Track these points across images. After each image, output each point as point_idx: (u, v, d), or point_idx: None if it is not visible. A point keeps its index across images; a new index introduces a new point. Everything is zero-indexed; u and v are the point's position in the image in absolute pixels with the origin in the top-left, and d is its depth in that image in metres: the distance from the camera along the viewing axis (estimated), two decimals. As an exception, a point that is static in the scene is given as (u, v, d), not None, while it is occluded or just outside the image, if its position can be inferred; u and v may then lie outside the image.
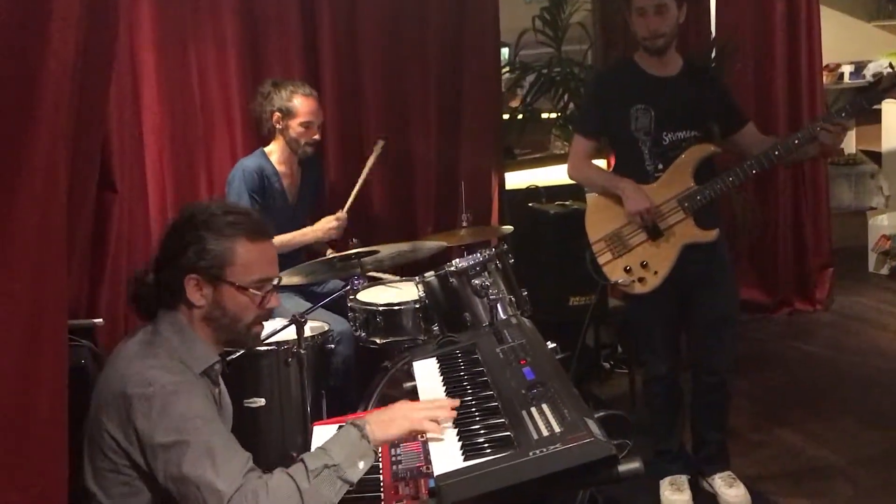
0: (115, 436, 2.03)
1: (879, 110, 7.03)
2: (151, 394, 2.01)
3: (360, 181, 4.28)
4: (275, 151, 4.20)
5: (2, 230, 1.51)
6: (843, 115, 3.56)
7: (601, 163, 4.72)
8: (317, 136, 4.20)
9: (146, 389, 2.02)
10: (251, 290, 2.17)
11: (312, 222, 4.25)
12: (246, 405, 3.45)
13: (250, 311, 2.20)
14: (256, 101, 4.23)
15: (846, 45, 7.53)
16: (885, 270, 6.97)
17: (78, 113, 1.81)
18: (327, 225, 4.17)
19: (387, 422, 2.10)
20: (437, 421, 2.12)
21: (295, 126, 4.13)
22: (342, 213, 4.20)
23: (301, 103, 4.13)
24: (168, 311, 2.17)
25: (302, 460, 2.04)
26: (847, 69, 7.59)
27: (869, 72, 7.32)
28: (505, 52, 5.71)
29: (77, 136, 1.83)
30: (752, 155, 3.63)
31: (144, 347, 2.11)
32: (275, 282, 2.25)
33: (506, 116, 5.66)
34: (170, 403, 2.01)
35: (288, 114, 4.12)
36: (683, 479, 3.82)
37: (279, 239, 4.08)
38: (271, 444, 3.49)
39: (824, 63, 6.50)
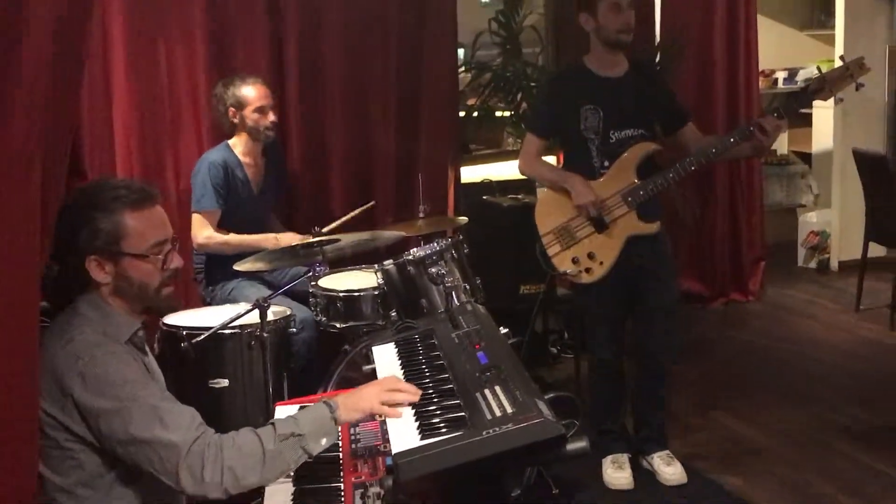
0: (51, 413, 2.00)
1: (810, 114, 7.12)
2: (82, 366, 1.99)
3: (334, 225, 4.23)
4: (238, 144, 4.16)
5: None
6: (777, 115, 3.60)
7: (551, 159, 4.74)
8: (273, 118, 4.15)
9: (76, 363, 2.00)
10: (150, 255, 2.14)
11: (279, 208, 4.21)
12: (210, 386, 3.42)
13: (155, 276, 2.15)
14: (213, 105, 4.19)
15: (780, 52, 7.63)
16: (813, 264, 7.07)
17: (52, 103, 1.78)
18: (289, 240, 4.06)
19: (354, 405, 2.09)
20: (398, 403, 2.11)
21: (250, 114, 4.09)
22: (308, 239, 4.12)
23: (250, 91, 4.10)
24: (83, 294, 2.14)
25: (272, 424, 2.04)
26: (781, 75, 7.69)
27: (800, 77, 7.42)
28: (462, 52, 5.70)
29: (51, 125, 1.80)
30: (692, 152, 3.67)
31: (67, 327, 2.08)
32: (170, 242, 2.19)
33: (462, 114, 5.66)
34: (103, 372, 1.99)
35: (241, 105, 4.08)
36: (625, 457, 3.86)
37: (242, 239, 4.06)
38: (234, 424, 3.39)
39: (760, 68, 6.57)
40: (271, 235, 4.12)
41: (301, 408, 2.17)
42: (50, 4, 1.70)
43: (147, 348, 2.28)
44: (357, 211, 4.31)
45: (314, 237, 3.74)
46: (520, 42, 5.55)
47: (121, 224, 2.10)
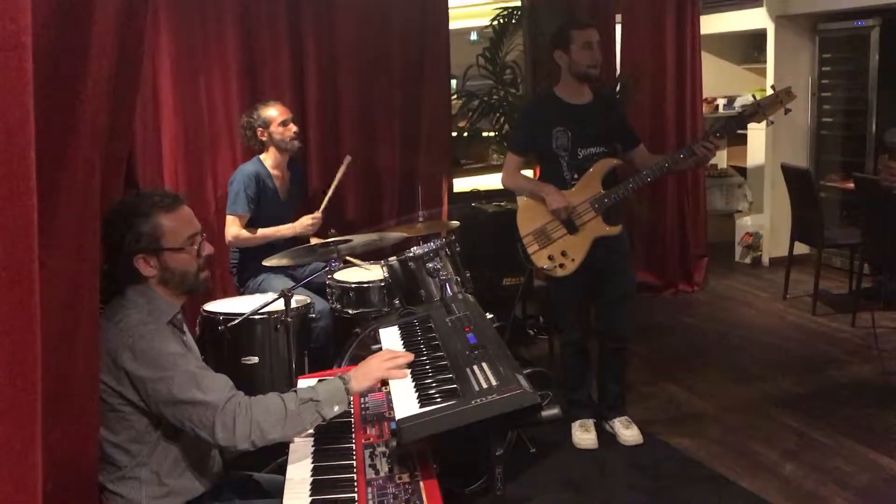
0: (107, 382, 2.01)
1: (745, 134, 7.12)
2: (131, 342, 2.01)
3: (332, 188, 4.25)
4: (268, 158, 4.14)
5: (50, 215, 1.49)
6: (718, 135, 3.61)
7: (529, 173, 4.74)
8: (295, 129, 4.14)
9: (126, 340, 2.01)
10: (186, 247, 2.15)
11: (301, 214, 4.21)
12: (243, 362, 3.42)
13: (192, 263, 2.17)
14: (243, 133, 4.17)
15: (721, 82, 7.63)
16: (748, 260, 7.07)
17: (110, 123, 1.78)
18: (306, 222, 4.13)
19: (362, 377, 2.11)
20: (400, 367, 2.12)
21: (276, 129, 4.08)
22: (318, 214, 4.17)
23: (272, 111, 4.10)
24: (133, 285, 2.15)
25: (294, 390, 2.07)
26: (721, 101, 7.69)
27: (738, 104, 7.41)
28: (454, 82, 5.70)
29: (109, 142, 1.80)
30: (645, 167, 3.67)
31: (118, 311, 2.10)
32: (200, 234, 2.21)
33: (454, 134, 5.65)
34: (148, 346, 2.01)
35: (267, 123, 4.08)
36: (590, 422, 3.86)
37: (264, 231, 4.06)
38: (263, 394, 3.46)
39: (704, 96, 6.57)
40: (289, 225, 4.12)
41: (319, 380, 2.17)
42: (112, 30, 1.70)
43: (185, 328, 2.28)
44: (340, 171, 4.27)
45: (330, 238, 3.73)
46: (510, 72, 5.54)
47: (158, 225, 2.12)
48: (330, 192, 4.24)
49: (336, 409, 2.05)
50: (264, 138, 4.10)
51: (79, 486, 1.79)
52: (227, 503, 2.21)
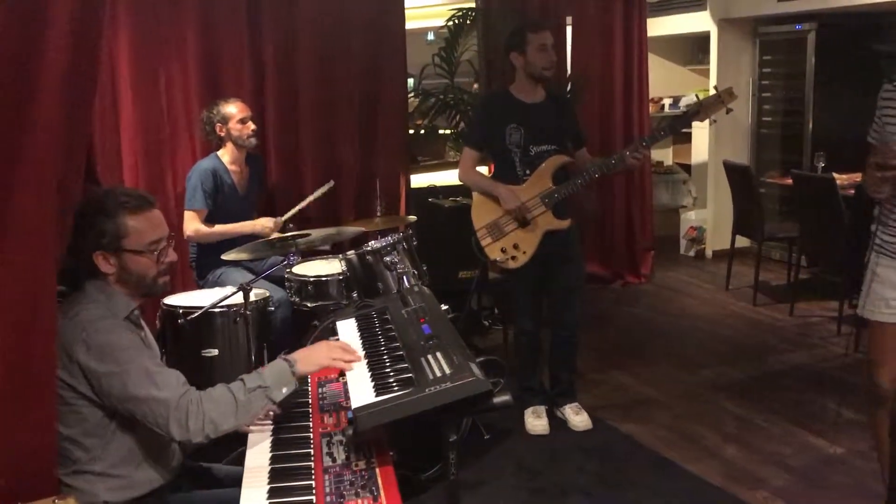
0: (60, 376, 1.96)
1: (690, 133, 7.23)
2: (86, 337, 1.97)
3: (303, 204, 4.19)
4: (226, 154, 4.09)
5: (5, 211, 1.46)
6: (645, 144, 3.63)
7: (484, 169, 4.75)
8: (253, 127, 4.10)
9: (81, 334, 1.97)
10: (147, 251, 2.11)
11: (260, 208, 4.17)
12: (203, 355, 3.37)
13: (152, 268, 2.12)
14: (203, 128, 4.11)
15: (666, 83, 7.74)
16: (691, 253, 7.18)
17: (67, 119, 1.74)
18: (266, 224, 4.08)
19: (307, 359, 2.10)
20: (344, 360, 2.12)
21: (234, 126, 4.03)
22: (279, 220, 4.12)
23: (231, 108, 4.06)
24: (92, 280, 2.11)
25: (242, 379, 2.04)
26: (667, 101, 7.80)
27: (683, 103, 7.53)
28: (411, 81, 5.68)
29: (66, 139, 1.76)
30: (595, 163, 3.69)
31: (75, 305, 2.05)
32: (166, 240, 2.16)
33: (412, 131, 5.64)
34: (104, 341, 1.97)
35: (225, 119, 4.03)
36: (542, 408, 3.89)
37: (223, 228, 4.02)
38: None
39: (651, 96, 6.65)
40: (248, 222, 4.07)
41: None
42: (67, 28, 1.66)
43: (143, 324, 2.24)
44: (318, 192, 4.25)
45: (288, 232, 3.69)
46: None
47: (122, 225, 2.07)
48: (301, 206, 4.19)
49: (284, 391, 2.04)
50: (223, 134, 4.05)
51: (37, 480, 1.76)
52: (187, 494, 2.18)
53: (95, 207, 2.08)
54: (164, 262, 2.15)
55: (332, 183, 4.28)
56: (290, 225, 3.87)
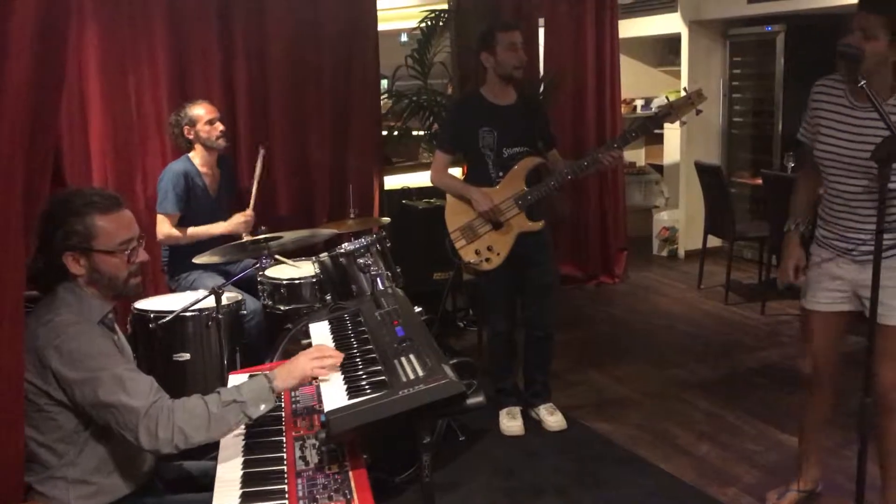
0: (34, 382, 1.94)
1: (662, 134, 7.28)
2: (59, 343, 1.94)
3: (255, 182, 4.15)
4: (197, 156, 4.05)
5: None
6: (617, 145, 3.65)
7: (457, 170, 4.75)
8: (222, 128, 4.05)
9: (54, 339, 1.94)
10: (118, 252, 2.08)
11: (232, 211, 4.13)
12: (175, 359, 3.34)
13: (123, 269, 2.10)
14: (171, 132, 4.07)
15: (639, 84, 7.79)
16: (664, 253, 7.23)
17: (32, 122, 1.71)
18: (238, 220, 4.05)
19: (287, 374, 2.07)
20: (325, 367, 2.11)
21: (202, 127, 3.99)
22: (249, 211, 4.10)
23: (199, 110, 4.01)
24: (63, 283, 2.08)
25: (218, 392, 2.01)
26: (639, 102, 7.84)
27: (654, 104, 7.56)
28: (384, 82, 5.67)
29: (32, 141, 1.73)
30: (567, 165, 3.71)
31: (47, 310, 2.02)
32: (137, 240, 2.13)
33: (385, 133, 5.63)
34: (76, 347, 1.94)
35: (193, 122, 3.99)
36: (517, 409, 3.90)
37: (195, 230, 3.98)
38: (195, 391, 3.27)
39: (623, 97, 6.69)
40: (222, 223, 4.04)
41: (250, 376, 2.13)
42: (31, 31, 1.64)
43: (117, 328, 2.22)
44: (259, 164, 4.17)
45: (260, 235, 3.67)
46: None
47: (92, 226, 2.05)
48: (255, 187, 4.16)
49: (262, 407, 2.01)
50: (191, 136, 4.01)
51: (3, 486, 1.73)
52: (158, 499, 2.16)
53: (64, 208, 2.05)
54: (135, 262, 2.13)
55: (262, 151, 4.20)
56: (263, 228, 3.84)
